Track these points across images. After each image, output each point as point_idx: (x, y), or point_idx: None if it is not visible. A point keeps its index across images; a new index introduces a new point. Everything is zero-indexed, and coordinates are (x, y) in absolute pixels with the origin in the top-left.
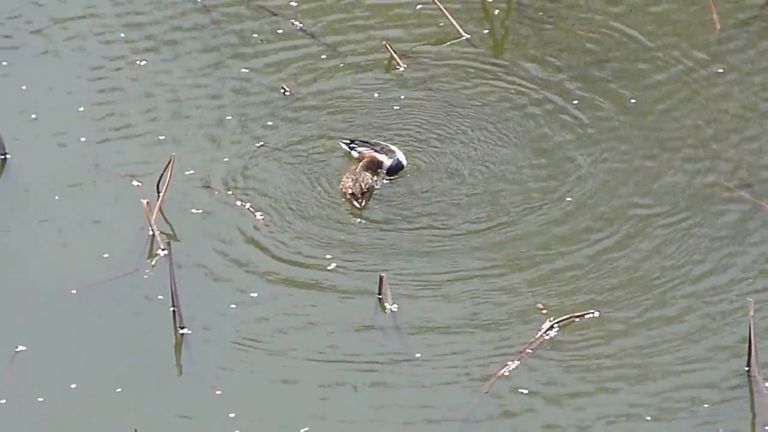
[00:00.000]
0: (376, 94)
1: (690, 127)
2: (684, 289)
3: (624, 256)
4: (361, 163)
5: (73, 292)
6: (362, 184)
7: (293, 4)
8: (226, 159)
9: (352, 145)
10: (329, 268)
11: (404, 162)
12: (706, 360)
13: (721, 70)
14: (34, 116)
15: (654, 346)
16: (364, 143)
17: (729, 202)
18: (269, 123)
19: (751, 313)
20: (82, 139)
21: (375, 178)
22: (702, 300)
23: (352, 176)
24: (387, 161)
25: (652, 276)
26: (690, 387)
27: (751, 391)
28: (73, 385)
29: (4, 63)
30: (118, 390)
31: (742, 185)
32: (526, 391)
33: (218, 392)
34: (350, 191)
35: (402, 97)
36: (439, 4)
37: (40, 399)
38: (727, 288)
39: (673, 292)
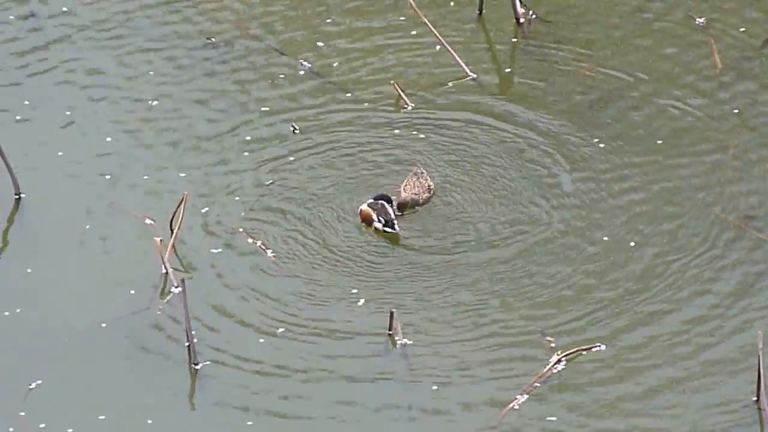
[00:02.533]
0: (396, 131)
1: (694, 166)
2: (692, 321)
3: (632, 291)
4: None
5: (103, 325)
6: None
7: (305, 44)
8: (237, 198)
9: (388, 223)
10: (345, 303)
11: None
12: (715, 391)
13: (723, 110)
14: (60, 153)
15: (662, 379)
16: (383, 205)
17: (735, 238)
18: (279, 161)
19: (760, 345)
20: (95, 178)
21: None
22: (711, 332)
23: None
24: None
25: (660, 309)
26: (699, 418)
27: (761, 422)
28: (102, 417)
29: (26, 102)
30: (149, 422)
31: (749, 221)
32: (535, 425)
33: (249, 423)
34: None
35: (416, 133)
36: (446, 44)
37: (70, 430)
38: (735, 320)
39: (681, 325)
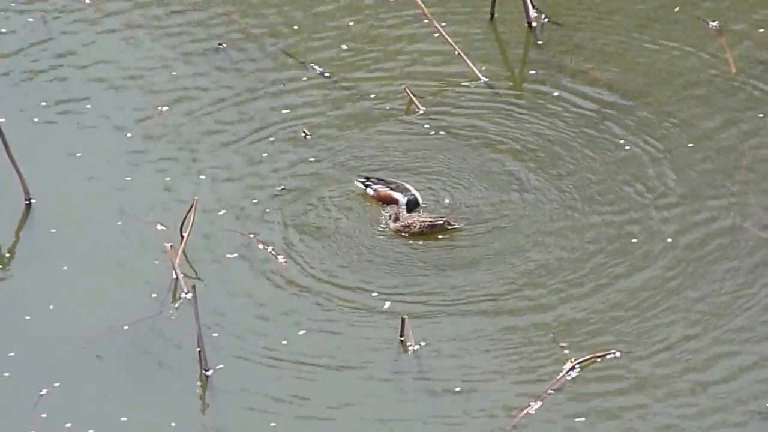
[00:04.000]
0: (407, 135)
1: (708, 171)
2: (709, 330)
3: (648, 298)
4: (377, 199)
5: (125, 328)
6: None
7: (316, 48)
8: (249, 203)
9: (367, 183)
10: (353, 309)
11: (420, 200)
12: (729, 403)
13: (737, 112)
14: (70, 159)
15: (675, 388)
16: (380, 181)
17: (751, 245)
18: (290, 166)
19: None
20: (106, 184)
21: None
22: (724, 342)
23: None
24: (402, 198)
25: (673, 318)
26: (716, 429)
27: None
28: (124, 418)
29: (36, 108)
30: (173, 424)
31: (765, 228)
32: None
33: (273, 424)
34: (400, 225)
35: (428, 136)
36: (457, 48)
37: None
38: (749, 331)
39: (695, 334)
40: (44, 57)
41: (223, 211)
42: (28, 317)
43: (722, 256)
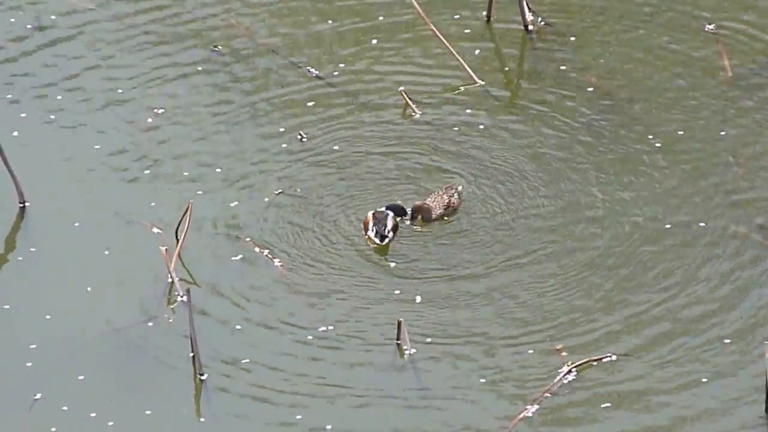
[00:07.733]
0: (404, 139)
1: (704, 172)
2: (701, 333)
3: (641, 301)
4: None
5: (119, 331)
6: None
7: (312, 51)
8: (247, 206)
9: (384, 229)
10: (348, 313)
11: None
12: (724, 405)
13: (731, 115)
14: (65, 162)
15: (671, 391)
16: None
17: (745, 247)
18: (287, 169)
19: (767, 355)
20: (100, 187)
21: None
22: (719, 345)
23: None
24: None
25: (669, 320)
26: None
27: None
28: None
29: (30, 111)
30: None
31: (759, 230)
32: None
33: (268, 429)
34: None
35: (424, 142)
36: (453, 51)
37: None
38: (744, 333)
39: (690, 337)
40: (34, 60)
41: (219, 214)
42: (21, 319)
43: (719, 260)
